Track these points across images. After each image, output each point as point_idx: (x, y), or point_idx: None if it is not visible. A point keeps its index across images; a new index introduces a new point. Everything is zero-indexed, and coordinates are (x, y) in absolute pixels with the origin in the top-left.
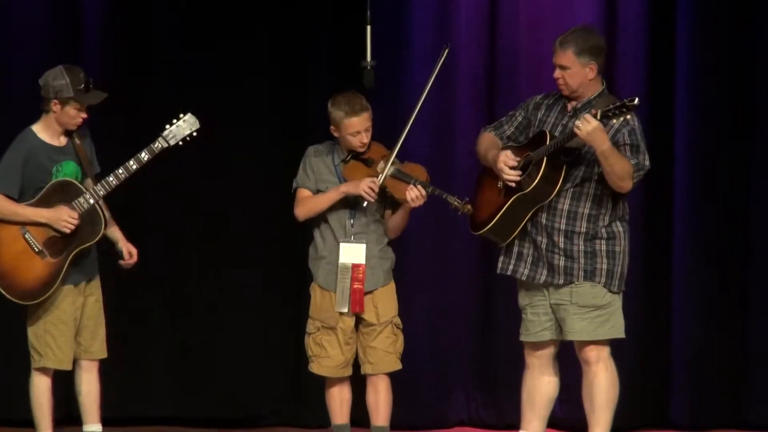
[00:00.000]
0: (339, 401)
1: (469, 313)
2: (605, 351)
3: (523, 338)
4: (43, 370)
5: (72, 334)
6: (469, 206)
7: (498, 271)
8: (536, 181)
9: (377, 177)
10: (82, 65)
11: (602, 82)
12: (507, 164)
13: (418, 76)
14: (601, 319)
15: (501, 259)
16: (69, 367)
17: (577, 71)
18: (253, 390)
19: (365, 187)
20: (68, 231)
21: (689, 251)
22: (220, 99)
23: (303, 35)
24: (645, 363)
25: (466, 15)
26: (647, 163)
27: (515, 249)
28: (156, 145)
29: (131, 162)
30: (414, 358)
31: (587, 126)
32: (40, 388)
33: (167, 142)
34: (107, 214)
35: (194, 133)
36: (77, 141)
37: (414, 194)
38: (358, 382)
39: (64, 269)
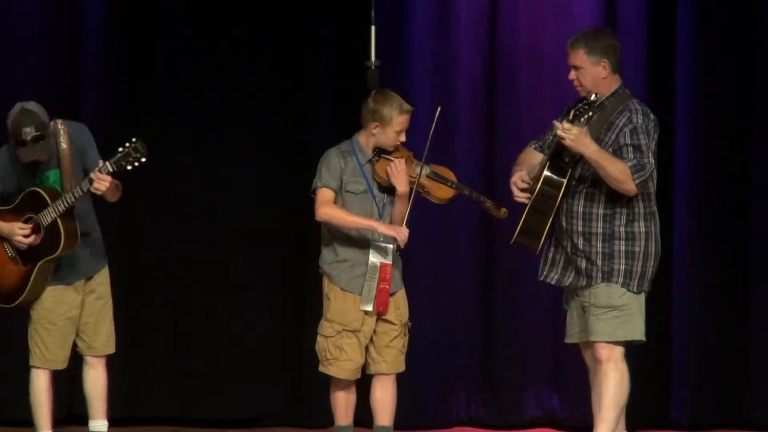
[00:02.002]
0: (345, 403)
1: (470, 314)
2: (617, 351)
3: (566, 340)
4: (38, 369)
5: (63, 333)
6: (504, 209)
7: (538, 277)
8: (539, 185)
9: (415, 177)
10: (82, 65)
11: (619, 81)
12: (517, 185)
13: (418, 77)
14: (619, 320)
15: (540, 265)
16: (59, 367)
17: (589, 70)
18: (253, 390)
19: (404, 237)
20: (23, 247)
21: (689, 251)
22: (220, 99)
23: (303, 36)
24: (645, 363)
25: (467, 16)
26: (650, 162)
27: (550, 255)
28: (103, 168)
29: (85, 181)
30: (415, 358)
31: (569, 134)
32: (36, 387)
33: (114, 166)
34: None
35: (143, 160)
36: (63, 146)
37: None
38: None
39: (32, 278)
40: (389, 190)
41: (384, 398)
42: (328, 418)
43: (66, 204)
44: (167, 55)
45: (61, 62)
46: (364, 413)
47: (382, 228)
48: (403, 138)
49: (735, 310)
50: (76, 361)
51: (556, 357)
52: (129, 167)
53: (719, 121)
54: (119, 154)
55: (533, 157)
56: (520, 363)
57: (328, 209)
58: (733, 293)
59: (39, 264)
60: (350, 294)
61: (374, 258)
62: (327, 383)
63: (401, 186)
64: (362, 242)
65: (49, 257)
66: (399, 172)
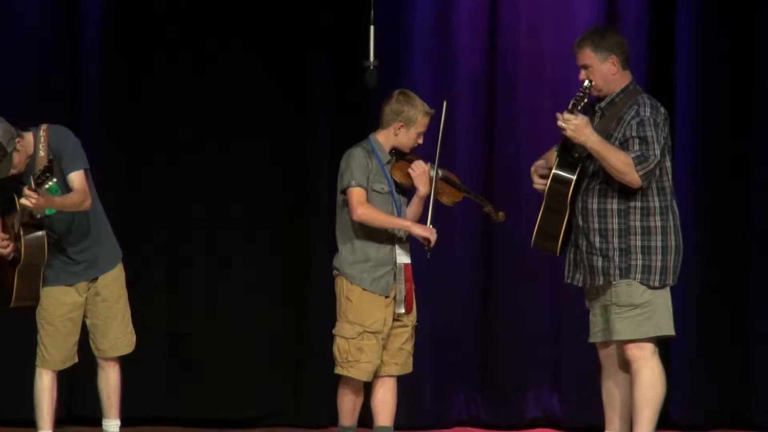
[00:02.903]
0: (353, 405)
1: (470, 314)
2: (646, 349)
3: (589, 339)
4: (40, 369)
5: (62, 335)
6: (502, 213)
7: (564, 280)
8: (548, 183)
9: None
10: (81, 65)
11: (629, 77)
12: (536, 172)
13: (418, 77)
14: (642, 317)
15: (565, 268)
16: (57, 368)
17: (598, 68)
18: (253, 390)
19: (435, 237)
20: (6, 254)
21: (690, 251)
22: (219, 99)
23: (303, 36)
24: None
25: (467, 16)
26: (654, 154)
27: (572, 256)
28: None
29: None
30: (415, 358)
31: (569, 125)
32: (37, 386)
33: (34, 183)
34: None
35: (54, 179)
36: (41, 154)
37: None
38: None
39: (15, 282)
40: (404, 191)
41: (385, 398)
42: (328, 418)
43: (22, 213)
44: (167, 55)
45: (60, 62)
46: (363, 413)
47: (416, 229)
48: (421, 140)
49: (735, 310)
50: (78, 361)
51: (556, 357)
52: (45, 186)
53: (719, 121)
54: (39, 172)
55: (554, 156)
56: (520, 363)
57: (365, 209)
58: (733, 293)
59: (17, 269)
60: (372, 295)
61: (401, 259)
62: (327, 383)
63: (423, 187)
64: (383, 241)
65: (19, 265)
66: (422, 173)
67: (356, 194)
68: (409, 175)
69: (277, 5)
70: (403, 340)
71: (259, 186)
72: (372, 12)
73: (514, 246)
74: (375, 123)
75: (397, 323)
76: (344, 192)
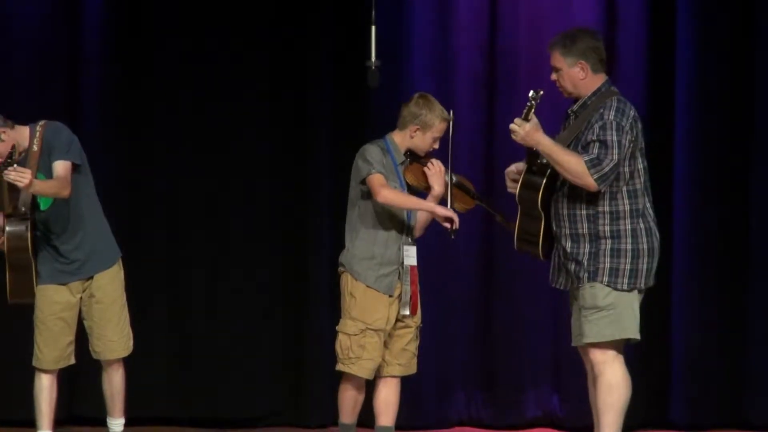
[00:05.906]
0: (354, 402)
1: (469, 314)
2: (609, 353)
3: (572, 343)
4: (37, 369)
5: (54, 334)
6: (513, 223)
7: (550, 283)
8: (518, 187)
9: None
10: (80, 71)
11: (602, 80)
12: (509, 176)
13: (417, 77)
14: (607, 320)
15: (549, 271)
16: (50, 367)
17: (566, 72)
18: (253, 390)
19: (457, 218)
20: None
21: (689, 251)
22: (220, 99)
23: (303, 36)
24: (645, 363)
25: (467, 15)
26: (611, 158)
27: (555, 260)
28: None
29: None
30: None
31: (519, 131)
32: (35, 387)
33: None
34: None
35: None
36: (34, 149)
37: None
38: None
39: (7, 277)
40: (417, 193)
41: (388, 399)
42: (328, 417)
43: (7, 204)
44: (167, 56)
45: (60, 62)
46: (363, 413)
47: (440, 210)
48: (437, 145)
49: (735, 310)
50: (77, 361)
51: (556, 357)
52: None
53: (719, 120)
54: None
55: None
56: (520, 363)
57: (388, 191)
58: (733, 293)
59: (6, 266)
60: (375, 292)
61: (408, 260)
62: (327, 383)
63: (439, 186)
64: (391, 241)
65: (5, 259)
66: (438, 172)
67: (377, 178)
68: (421, 178)
69: (277, 5)
70: (407, 340)
71: (259, 186)
72: (373, 12)
73: (514, 246)
74: (375, 123)
75: (400, 324)
76: (364, 182)
